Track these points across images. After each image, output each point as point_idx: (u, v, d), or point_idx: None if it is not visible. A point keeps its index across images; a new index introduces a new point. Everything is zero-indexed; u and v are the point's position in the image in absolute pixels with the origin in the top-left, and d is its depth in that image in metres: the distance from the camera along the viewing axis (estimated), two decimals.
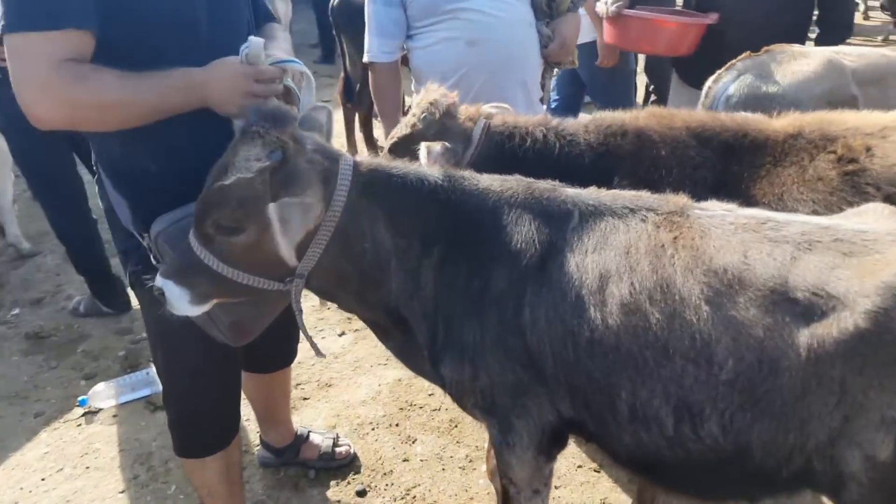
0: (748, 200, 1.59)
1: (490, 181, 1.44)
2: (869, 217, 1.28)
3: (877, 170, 1.52)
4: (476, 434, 2.54)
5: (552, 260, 1.32)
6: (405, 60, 2.53)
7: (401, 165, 1.47)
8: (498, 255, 1.36)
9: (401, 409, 2.74)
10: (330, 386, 2.91)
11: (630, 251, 1.27)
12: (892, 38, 8.26)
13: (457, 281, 1.40)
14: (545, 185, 1.42)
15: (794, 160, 1.59)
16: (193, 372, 1.72)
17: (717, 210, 1.30)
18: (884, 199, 1.50)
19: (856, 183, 1.52)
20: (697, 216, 1.28)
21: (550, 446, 1.48)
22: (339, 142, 4.95)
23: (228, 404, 1.86)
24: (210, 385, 1.76)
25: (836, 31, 3.03)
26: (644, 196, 1.36)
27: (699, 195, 1.52)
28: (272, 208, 1.27)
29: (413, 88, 2.58)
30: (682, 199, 1.34)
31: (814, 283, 1.14)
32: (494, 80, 2.28)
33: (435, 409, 2.71)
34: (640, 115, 1.78)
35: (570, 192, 1.40)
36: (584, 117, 1.94)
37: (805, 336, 1.13)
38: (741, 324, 1.16)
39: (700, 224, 1.27)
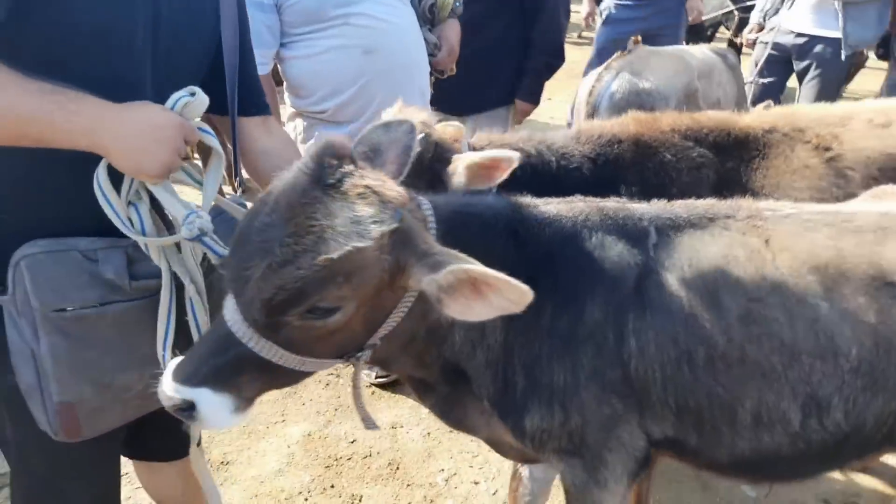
0: (748, 194, 1.71)
1: (557, 207, 1.35)
2: (890, 198, 1.45)
3: (849, 155, 1.72)
4: (423, 470, 2.39)
5: (648, 282, 1.27)
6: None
7: (471, 200, 1.34)
8: (586, 286, 1.28)
9: (327, 466, 2.40)
10: (228, 463, 2.44)
11: (729, 260, 1.28)
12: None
13: (538, 322, 1.28)
14: (615, 204, 1.37)
15: (778, 152, 1.74)
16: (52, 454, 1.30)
17: (785, 209, 1.36)
18: (862, 180, 1.71)
19: (837, 168, 1.71)
20: (776, 217, 1.34)
21: (639, 471, 1.46)
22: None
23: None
24: (75, 474, 1.36)
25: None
26: (715, 204, 1.38)
27: (704, 195, 1.60)
28: (425, 282, 1.02)
29: (289, 102, 2.34)
30: (751, 203, 1.38)
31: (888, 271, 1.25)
32: (396, 89, 2.08)
33: (366, 457, 2.44)
34: (626, 122, 1.82)
35: (641, 208, 1.36)
36: (564, 131, 1.95)
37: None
38: (855, 313, 1.23)
39: (783, 225, 1.32)
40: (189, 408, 1.07)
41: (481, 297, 0.99)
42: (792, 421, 1.27)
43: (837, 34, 3.44)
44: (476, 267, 0.98)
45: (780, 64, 3.80)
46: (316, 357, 1.12)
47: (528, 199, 1.37)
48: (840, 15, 3.37)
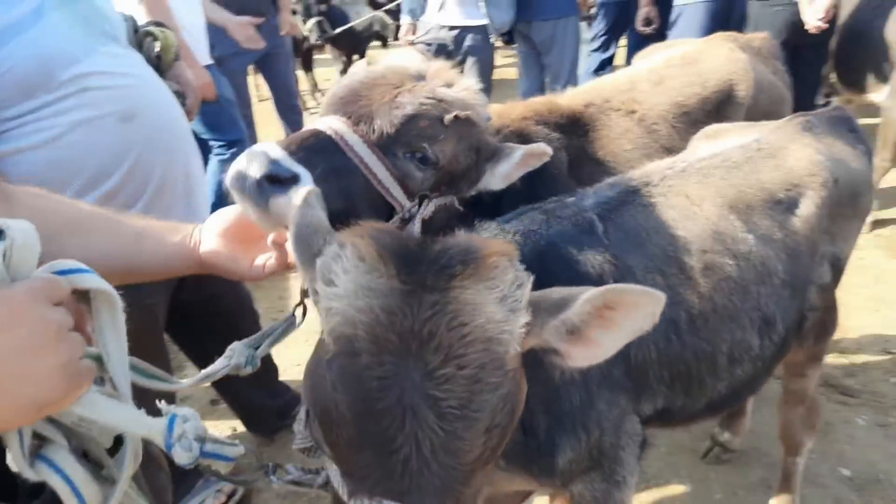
0: (599, 164, 1.85)
1: (518, 223, 1.30)
2: (730, 135, 1.68)
3: (650, 112, 1.96)
4: None
5: (619, 270, 1.30)
6: None
7: None
8: None
9: None
10: None
11: (669, 223, 1.37)
12: None
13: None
14: (555, 204, 1.37)
15: (601, 123, 1.91)
16: None
17: (677, 164, 1.50)
18: (665, 130, 1.97)
19: (646, 126, 1.94)
20: (677, 174, 1.46)
21: (642, 455, 1.46)
22: None
23: None
24: None
25: None
26: (626, 177, 1.46)
27: (565, 173, 1.71)
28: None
29: None
30: (653, 166, 1.49)
31: (781, 181, 1.47)
32: (170, 156, 1.72)
33: None
34: (496, 114, 1.80)
35: (576, 201, 1.39)
36: None
37: (800, 218, 1.47)
38: (768, 235, 1.42)
39: (688, 178, 1.45)
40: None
41: (612, 326, 0.81)
42: (753, 346, 1.42)
43: (484, 21, 3.94)
44: (611, 286, 0.80)
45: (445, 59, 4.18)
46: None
47: (494, 223, 1.30)
48: (482, 5, 3.86)
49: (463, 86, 1.40)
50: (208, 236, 1.15)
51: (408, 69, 1.37)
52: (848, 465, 2.35)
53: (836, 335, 2.98)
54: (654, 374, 1.32)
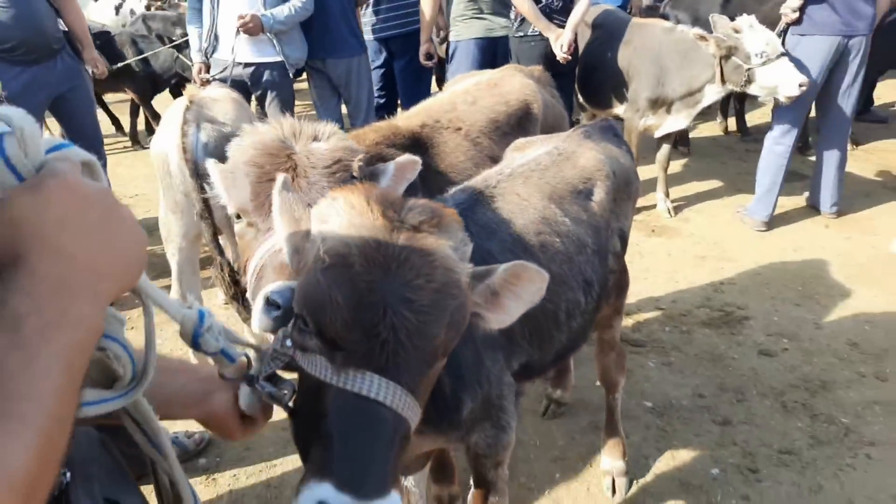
0: (442, 175, 2.21)
1: None
2: (535, 146, 2.14)
3: (473, 128, 2.38)
4: None
5: (484, 254, 1.62)
6: None
7: None
8: None
9: None
10: None
11: (511, 215, 1.75)
12: None
13: None
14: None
15: (438, 141, 2.28)
16: None
17: (505, 170, 1.90)
18: (486, 143, 2.39)
19: (472, 140, 2.35)
20: (506, 177, 1.86)
21: (518, 403, 1.80)
22: None
23: None
24: None
25: None
26: (471, 183, 1.82)
27: (418, 183, 2.07)
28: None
29: None
30: (488, 173, 1.87)
31: (579, 177, 1.94)
32: None
33: None
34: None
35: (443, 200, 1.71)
36: None
37: (597, 201, 1.95)
38: (577, 217, 1.87)
39: (514, 180, 1.85)
40: None
41: (517, 296, 1.09)
42: (581, 303, 1.85)
43: (279, 58, 4.12)
44: (518, 262, 1.08)
45: (243, 94, 4.27)
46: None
47: None
48: (275, 42, 4.06)
49: (327, 132, 1.63)
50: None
51: (272, 140, 1.46)
52: (648, 398, 2.97)
53: None
54: (519, 332, 1.68)
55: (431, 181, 2.11)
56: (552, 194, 1.86)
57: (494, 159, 2.20)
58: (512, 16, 4.37)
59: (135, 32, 6.35)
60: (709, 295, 3.82)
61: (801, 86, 3.99)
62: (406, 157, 1.66)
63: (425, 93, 5.17)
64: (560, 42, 4.17)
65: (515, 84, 2.55)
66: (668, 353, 3.30)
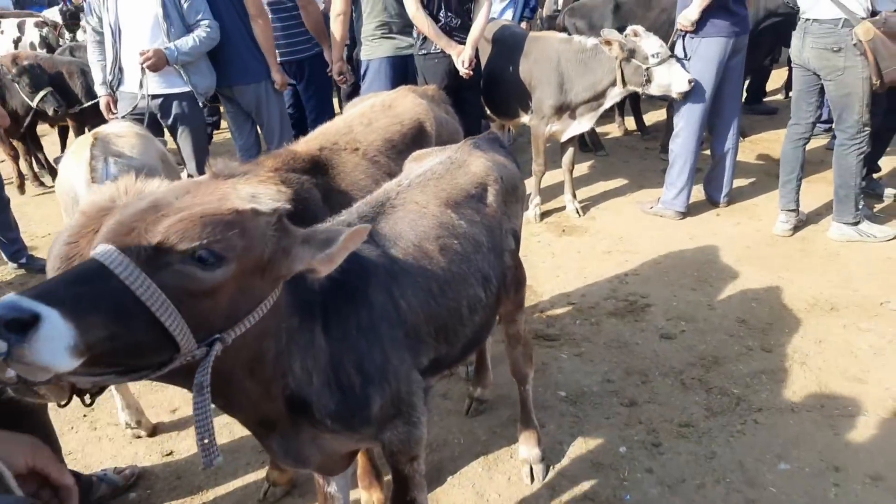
0: (344, 194, 2.30)
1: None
2: (430, 157, 2.26)
3: (370, 147, 2.48)
4: None
5: (387, 261, 1.75)
6: None
7: None
8: (365, 283, 1.66)
9: None
10: None
11: (411, 222, 1.86)
12: None
13: (348, 326, 1.59)
14: (334, 223, 1.76)
15: (337, 162, 2.37)
16: None
17: (403, 181, 2.01)
18: (384, 160, 2.51)
19: (370, 158, 2.46)
20: (405, 188, 1.98)
21: (427, 399, 1.91)
22: None
23: None
24: None
25: None
26: (372, 197, 1.93)
27: (320, 206, 2.17)
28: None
29: None
30: (388, 186, 1.99)
31: (472, 183, 2.09)
32: None
33: None
34: (245, 170, 2.12)
35: (343, 218, 1.81)
36: None
37: (489, 204, 2.10)
38: (472, 219, 2.01)
39: (413, 190, 1.97)
40: (24, 326, 0.93)
41: (346, 249, 1.33)
42: (481, 297, 1.99)
43: (187, 88, 4.10)
44: (352, 228, 1.33)
45: (151, 126, 4.10)
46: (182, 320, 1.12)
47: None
48: (182, 72, 4.03)
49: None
50: None
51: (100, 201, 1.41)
52: (562, 388, 3.15)
53: (534, 301, 3.90)
54: (425, 331, 1.79)
55: (334, 200, 2.21)
56: (448, 200, 1.99)
57: (392, 175, 2.32)
58: (414, 34, 4.52)
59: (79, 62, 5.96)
60: (615, 287, 4.07)
61: (689, 82, 4.40)
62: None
63: (328, 111, 5.29)
64: (462, 58, 4.36)
65: (408, 104, 2.69)
66: (579, 344, 3.50)
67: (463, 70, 4.37)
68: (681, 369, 3.24)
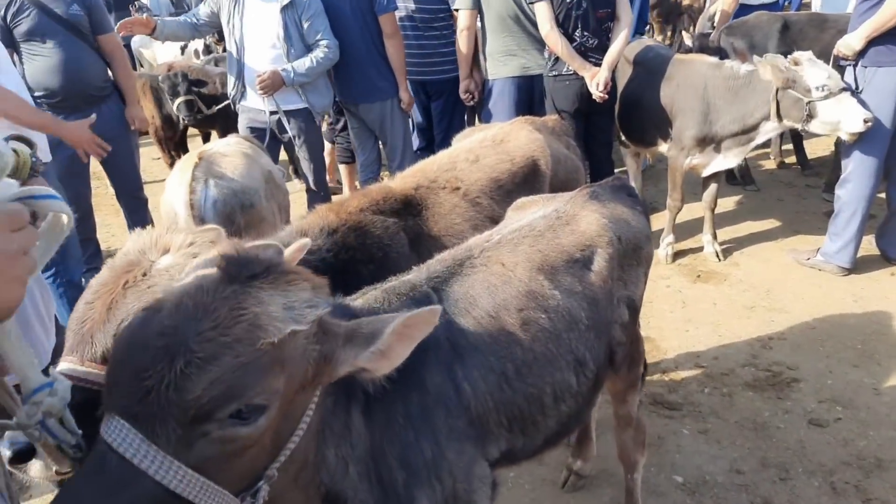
0: (434, 238, 2.07)
1: (363, 300, 1.46)
2: (535, 206, 1.97)
3: (472, 188, 2.24)
4: None
5: (452, 334, 1.50)
6: None
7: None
8: (419, 361, 1.41)
9: None
10: None
11: (490, 288, 1.59)
12: None
13: (394, 411, 1.37)
14: (396, 282, 1.54)
15: (433, 202, 2.15)
16: None
17: (493, 237, 1.74)
18: (486, 202, 2.25)
19: (470, 199, 2.21)
20: (493, 245, 1.70)
21: (494, 495, 1.64)
22: None
23: None
24: None
25: None
26: (453, 253, 1.68)
27: (407, 251, 1.93)
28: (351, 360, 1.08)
29: None
30: (474, 241, 1.73)
31: (577, 244, 1.77)
32: None
33: None
34: (323, 213, 1.96)
35: (413, 277, 1.57)
36: (284, 231, 1.93)
37: (595, 273, 1.76)
38: (570, 290, 1.69)
39: (502, 248, 1.70)
40: None
41: (406, 341, 1.11)
42: (572, 384, 1.67)
43: (303, 105, 4.08)
44: (407, 313, 1.10)
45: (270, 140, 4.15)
46: (223, 487, 0.99)
47: (343, 300, 1.42)
48: (300, 91, 4.01)
49: (182, 243, 1.41)
50: None
51: (130, 253, 1.35)
52: (679, 472, 2.71)
53: (656, 357, 3.44)
54: (494, 421, 1.51)
55: (423, 246, 1.99)
56: (543, 264, 1.69)
57: (495, 220, 2.05)
58: (546, 55, 4.23)
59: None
60: (755, 352, 3.51)
61: (865, 121, 3.69)
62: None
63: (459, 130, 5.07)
64: (596, 80, 4.00)
65: (522, 139, 2.40)
66: (705, 418, 3.02)
67: (597, 94, 4.00)
68: (832, 468, 2.67)
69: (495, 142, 2.38)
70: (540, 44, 4.29)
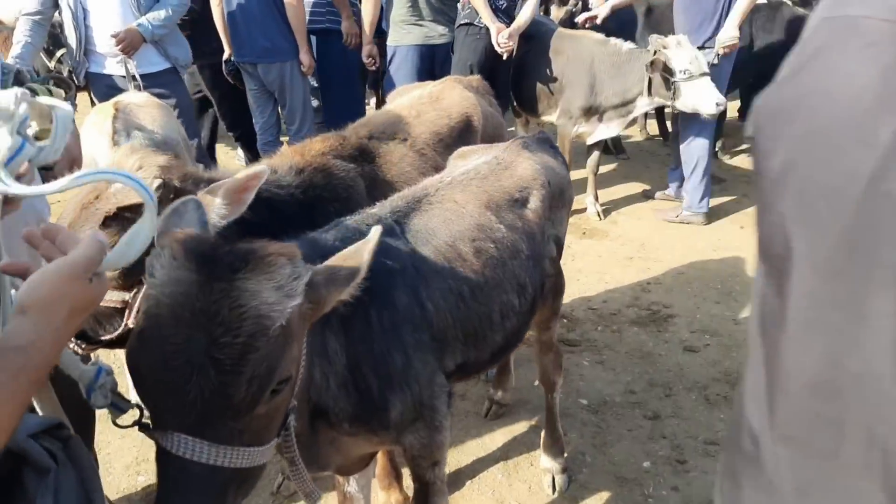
0: (389, 185, 2.23)
1: (335, 233, 1.59)
2: (476, 154, 2.18)
3: (418, 139, 2.41)
4: None
5: (416, 259, 1.68)
6: None
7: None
8: (388, 283, 1.59)
9: None
10: None
11: (446, 221, 1.79)
12: None
13: (370, 328, 1.53)
14: (365, 216, 1.69)
15: (384, 150, 2.30)
16: None
17: (445, 178, 1.94)
18: (430, 153, 2.43)
19: (417, 150, 2.38)
20: (445, 185, 1.90)
21: (450, 403, 1.87)
22: None
23: None
24: None
25: None
26: (410, 191, 1.86)
27: (363, 196, 2.10)
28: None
29: None
30: (427, 182, 1.91)
31: (516, 186, 2.01)
32: None
33: None
34: (289, 154, 2.06)
35: (377, 211, 1.74)
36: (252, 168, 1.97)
37: (532, 209, 2.02)
38: (513, 224, 1.94)
39: (453, 188, 1.90)
40: None
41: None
42: (515, 305, 1.92)
43: (166, 64, 3.75)
44: (374, 240, 1.18)
45: None
46: (267, 443, 1.12)
47: (314, 234, 1.55)
48: (160, 48, 3.69)
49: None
50: None
51: None
52: (583, 396, 3.09)
53: None
54: (452, 335, 1.72)
55: (378, 190, 2.14)
56: (489, 202, 1.91)
57: (438, 169, 2.24)
58: (459, 5, 4.46)
59: None
60: (637, 294, 4.00)
61: (718, 105, 4.18)
62: (243, 175, 1.61)
63: (353, 98, 5.17)
64: (502, 34, 4.30)
65: (456, 97, 2.61)
66: (600, 351, 3.43)
67: (503, 41, 4.31)
68: (705, 384, 3.18)
69: (432, 99, 2.56)
70: (443, 14, 4.49)
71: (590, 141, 4.87)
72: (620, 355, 3.40)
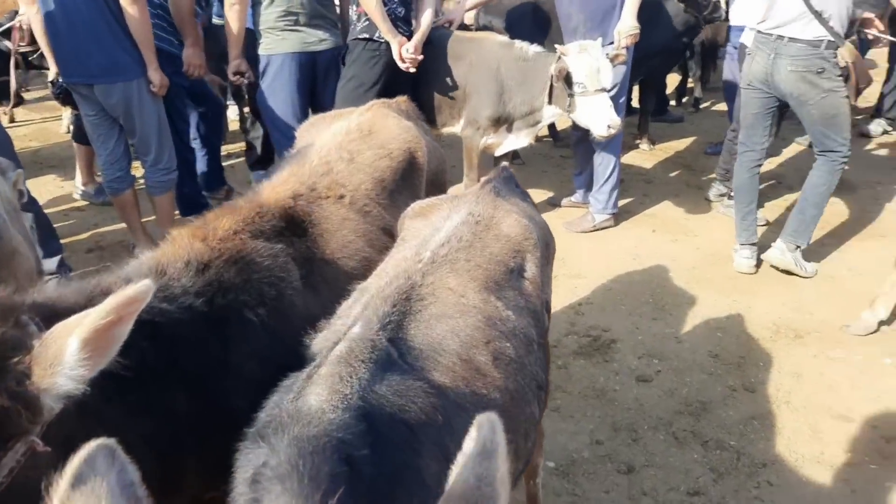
0: (328, 263, 1.67)
1: (325, 385, 1.06)
2: (440, 211, 1.68)
3: (357, 194, 1.83)
4: None
5: (434, 400, 1.18)
6: None
7: None
8: (409, 459, 1.09)
9: None
10: None
11: (451, 325, 1.31)
12: None
13: None
14: (352, 344, 1.17)
15: (319, 216, 1.71)
16: None
17: (423, 255, 1.44)
18: (375, 209, 1.87)
19: (358, 208, 1.82)
20: (429, 267, 1.41)
21: None
22: None
23: None
24: None
25: None
26: (389, 284, 1.34)
27: (299, 283, 1.55)
28: None
29: None
30: (405, 263, 1.40)
31: (508, 252, 1.56)
32: None
33: None
34: (186, 241, 1.43)
35: (363, 333, 1.21)
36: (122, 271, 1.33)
37: (529, 280, 1.58)
38: (518, 304, 1.50)
39: (440, 269, 1.41)
40: None
41: None
42: (535, 415, 1.53)
43: None
44: None
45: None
46: None
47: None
48: None
49: None
50: None
51: None
52: (549, 457, 2.71)
53: None
54: None
55: (317, 276, 1.58)
56: (487, 281, 1.45)
57: (387, 231, 1.73)
58: (354, 16, 3.91)
59: None
60: (572, 319, 3.71)
61: (609, 127, 3.84)
62: (110, 302, 0.98)
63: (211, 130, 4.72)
64: (405, 47, 3.83)
65: (393, 128, 2.06)
66: (552, 394, 3.07)
67: (408, 56, 3.87)
68: (669, 420, 2.93)
69: (363, 133, 1.99)
70: (322, 17, 3.93)
71: (498, 152, 4.51)
72: (574, 397, 3.07)
